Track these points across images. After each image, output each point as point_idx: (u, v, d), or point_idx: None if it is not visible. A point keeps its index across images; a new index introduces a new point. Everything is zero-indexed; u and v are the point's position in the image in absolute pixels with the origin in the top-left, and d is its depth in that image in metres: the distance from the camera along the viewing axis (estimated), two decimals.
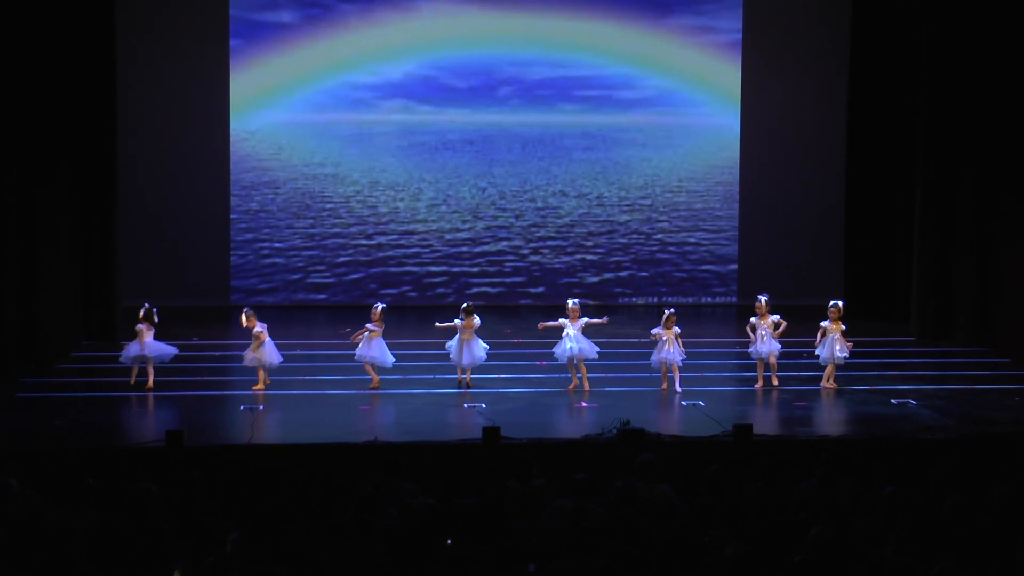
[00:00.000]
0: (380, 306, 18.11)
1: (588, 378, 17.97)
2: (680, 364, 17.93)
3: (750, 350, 18.25)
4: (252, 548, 9.32)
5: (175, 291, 24.81)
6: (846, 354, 18.13)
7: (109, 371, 19.03)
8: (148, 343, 17.75)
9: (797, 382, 18.34)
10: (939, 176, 22.14)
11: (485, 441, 14.54)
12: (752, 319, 18.23)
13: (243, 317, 17.97)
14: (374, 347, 17.90)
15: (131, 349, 17.87)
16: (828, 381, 18.15)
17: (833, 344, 18.08)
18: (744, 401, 17.82)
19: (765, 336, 18.01)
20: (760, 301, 18.24)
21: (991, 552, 9.15)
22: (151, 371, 17.81)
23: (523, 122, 26.47)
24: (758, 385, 18.12)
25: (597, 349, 18.06)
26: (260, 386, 17.76)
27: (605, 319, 18.36)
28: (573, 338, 17.90)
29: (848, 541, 9.62)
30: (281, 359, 17.91)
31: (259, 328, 17.81)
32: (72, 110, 20.60)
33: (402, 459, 14.00)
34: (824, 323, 18.21)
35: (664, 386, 17.90)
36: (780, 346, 18.11)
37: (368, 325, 17.96)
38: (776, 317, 18.07)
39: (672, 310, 18.20)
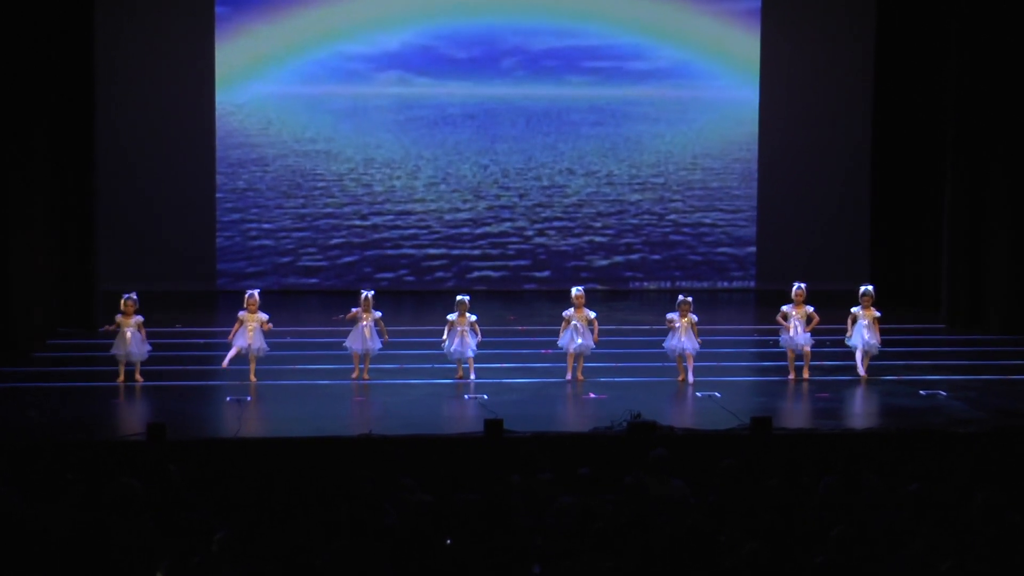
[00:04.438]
0: (368, 294, 18.13)
1: (584, 369, 18.07)
2: (694, 354, 17.98)
3: (781, 339, 18.26)
4: (240, 548, 9.36)
5: (157, 275, 24.83)
6: (876, 342, 18.15)
7: (87, 360, 19.06)
8: (132, 343, 17.68)
9: (821, 372, 18.36)
10: (971, 153, 22.12)
11: (487, 434, 14.56)
12: (785, 307, 18.22)
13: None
14: (373, 336, 17.97)
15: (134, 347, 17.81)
16: (863, 370, 18.17)
17: (863, 331, 18.10)
18: (763, 392, 17.84)
19: (799, 326, 18.03)
20: (800, 288, 18.23)
21: None
22: (135, 368, 17.80)
23: (528, 95, 26.46)
24: (791, 376, 18.14)
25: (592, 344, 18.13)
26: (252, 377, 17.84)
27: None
28: (581, 330, 17.95)
29: (872, 541, 9.65)
30: (242, 344, 17.85)
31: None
32: (48, 83, 20.60)
33: (399, 453, 14.11)
34: (855, 309, 18.22)
35: (680, 377, 17.93)
36: (811, 339, 18.14)
37: (354, 310, 18.00)
38: (810, 309, 18.09)
39: (690, 298, 18.23)
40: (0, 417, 15.91)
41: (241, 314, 17.86)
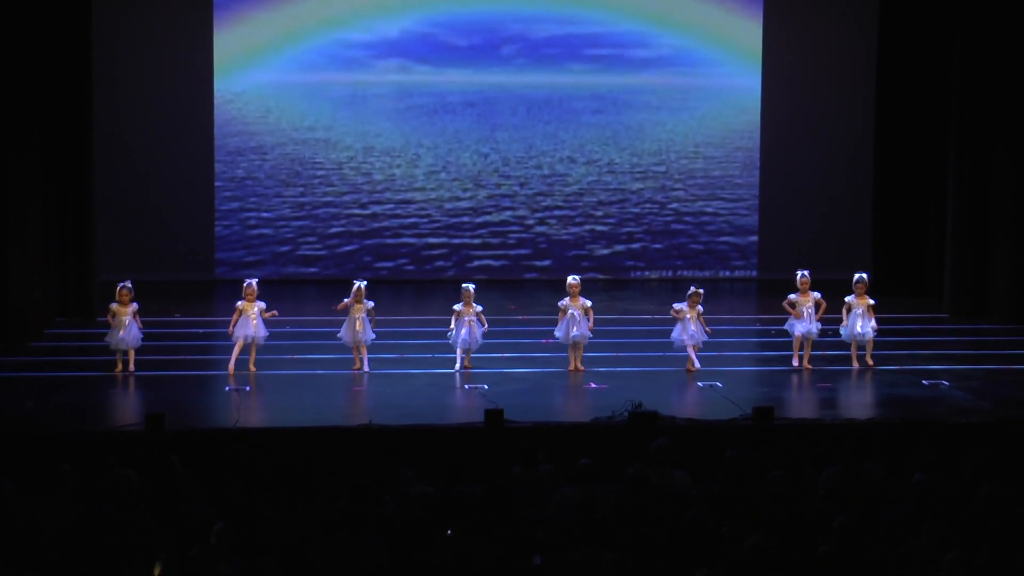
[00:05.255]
0: (361, 284, 18.09)
1: (583, 358, 18.02)
2: (700, 344, 17.97)
3: (787, 327, 18.25)
4: (239, 540, 9.34)
5: (156, 264, 24.83)
6: (869, 329, 18.11)
7: (85, 350, 19.04)
8: (124, 330, 17.61)
9: (823, 362, 18.36)
10: (975, 142, 22.09)
11: (488, 425, 14.55)
12: (791, 296, 18.23)
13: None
14: (366, 328, 17.92)
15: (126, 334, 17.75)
16: (866, 359, 18.13)
17: (856, 320, 18.09)
18: (765, 382, 17.82)
19: (813, 314, 18.03)
20: (805, 276, 18.23)
21: None
22: (130, 357, 17.75)
23: (528, 83, 26.42)
24: (795, 363, 18.15)
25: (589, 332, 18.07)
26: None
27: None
28: (577, 319, 17.89)
29: (875, 532, 9.64)
30: (247, 333, 17.83)
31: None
32: (45, 73, 20.54)
33: (399, 444, 14.09)
34: (848, 298, 18.22)
35: (689, 367, 17.88)
36: (820, 326, 18.14)
37: (345, 300, 17.97)
38: (818, 295, 18.10)
39: (701, 289, 18.21)
40: None
41: (239, 304, 17.85)
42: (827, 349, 18.70)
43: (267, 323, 17.97)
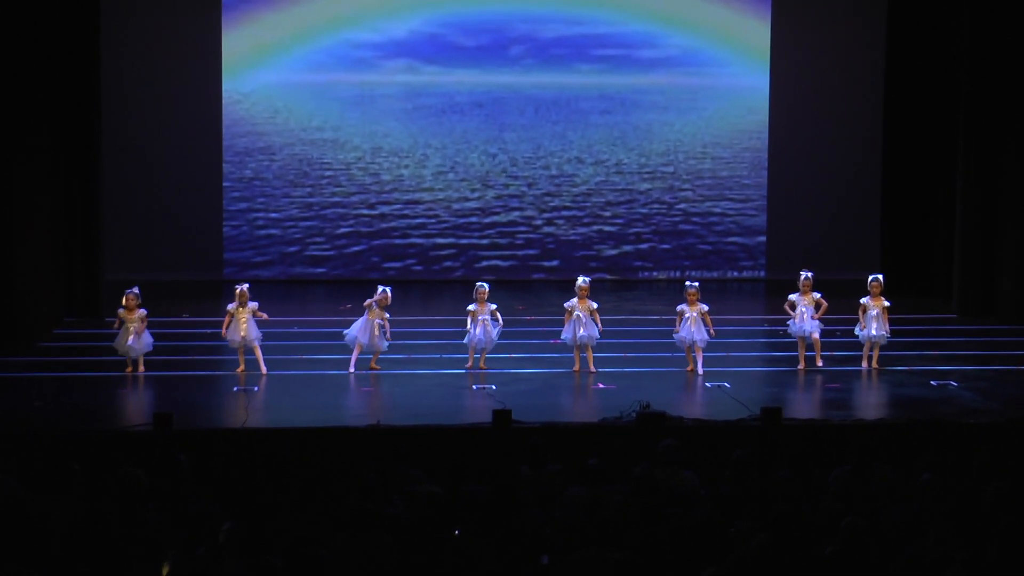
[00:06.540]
0: (387, 290, 18.08)
1: (595, 360, 18.00)
2: (703, 345, 17.92)
3: (790, 328, 18.27)
4: (246, 539, 9.35)
5: (164, 264, 24.85)
6: (884, 332, 18.11)
7: (93, 349, 19.06)
8: (132, 338, 17.62)
9: (832, 362, 18.35)
10: (983, 143, 22.08)
11: (495, 425, 14.55)
12: (792, 296, 18.24)
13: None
14: (381, 335, 17.91)
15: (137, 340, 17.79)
16: (873, 362, 18.14)
17: (871, 322, 18.08)
18: (773, 383, 17.82)
19: (806, 314, 18.03)
20: (807, 277, 18.24)
21: None
22: (139, 360, 17.78)
23: (536, 83, 26.42)
24: (800, 366, 18.14)
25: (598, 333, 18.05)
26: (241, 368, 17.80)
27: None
28: (584, 321, 17.87)
29: (883, 532, 9.63)
30: (235, 338, 17.84)
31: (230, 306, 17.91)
32: (52, 70, 20.58)
33: (407, 444, 14.09)
34: (864, 300, 18.21)
35: (689, 367, 17.91)
36: (820, 325, 18.14)
37: (374, 300, 17.96)
38: (818, 295, 18.11)
39: (696, 284, 18.21)
40: (6, 407, 15.92)
41: (231, 307, 17.85)
42: (835, 349, 18.70)
43: (267, 323, 17.98)
